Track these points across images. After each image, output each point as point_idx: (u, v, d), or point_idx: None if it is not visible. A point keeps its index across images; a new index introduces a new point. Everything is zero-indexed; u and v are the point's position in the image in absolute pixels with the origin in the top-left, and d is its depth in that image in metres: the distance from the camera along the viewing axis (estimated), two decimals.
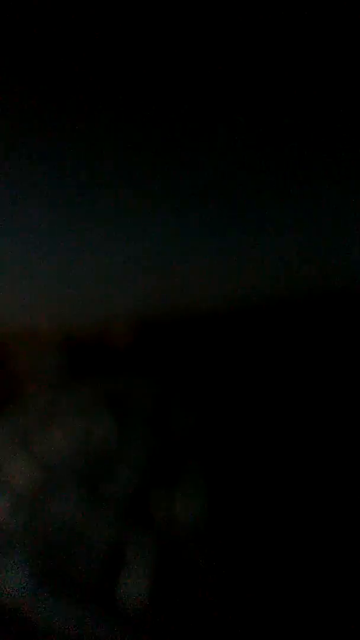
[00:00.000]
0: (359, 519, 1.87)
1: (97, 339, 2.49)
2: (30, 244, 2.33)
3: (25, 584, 2.17)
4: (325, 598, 1.80)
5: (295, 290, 2.09)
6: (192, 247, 2.13)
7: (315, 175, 1.83)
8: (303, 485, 1.99)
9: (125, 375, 2.43)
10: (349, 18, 1.69)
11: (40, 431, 2.47)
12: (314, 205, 1.91)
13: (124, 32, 1.77)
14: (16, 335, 2.56)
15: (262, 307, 2.16)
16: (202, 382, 2.27)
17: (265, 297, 2.13)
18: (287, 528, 1.94)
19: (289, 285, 2.08)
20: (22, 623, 2.07)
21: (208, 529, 2.04)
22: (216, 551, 1.98)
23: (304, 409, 2.08)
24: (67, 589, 2.10)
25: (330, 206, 1.89)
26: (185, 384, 2.30)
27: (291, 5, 1.71)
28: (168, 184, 2.02)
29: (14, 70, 2.07)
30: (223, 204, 2.02)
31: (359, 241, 1.89)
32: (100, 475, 2.29)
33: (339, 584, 1.81)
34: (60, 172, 2.20)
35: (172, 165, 1.96)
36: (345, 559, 1.84)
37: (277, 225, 2.00)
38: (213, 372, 2.26)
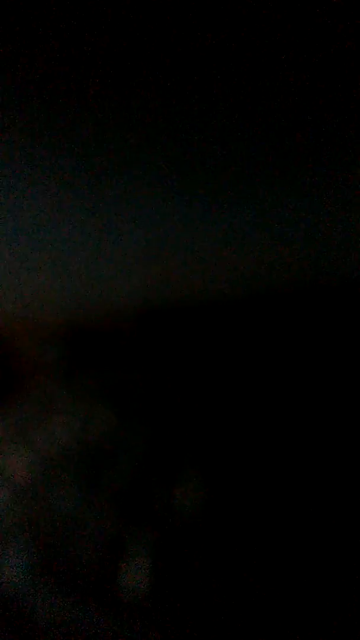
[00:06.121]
0: (357, 513, 1.87)
1: (98, 329, 2.48)
2: (28, 232, 2.32)
3: (24, 576, 2.16)
4: (326, 592, 1.79)
5: (300, 279, 2.08)
6: (195, 236, 2.12)
7: (320, 162, 1.82)
8: (304, 478, 1.98)
9: (126, 365, 2.43)
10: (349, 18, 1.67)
11: (40, 422, 2.46)
12: (318, 192, 1.89)
13: (125, 18, 1.76)
14: (14, 325, 2.55)
15: (266, 296, 2.15)
16: (204, 372, 2.26)
17: (269, 286, 2.12)
18: (288, 520, 1.94)
19: (293, 274, 2.07)
20: (20, 614, 2.07)
21: (209, 520, 2.03)
22: (217, 543, 1.98)
23: (308, 402, 2.07)
24: (67, 580, 2.10)
25: (335, 194, 1.88)
26: (187, 374, 2.29)
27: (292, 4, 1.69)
28: (169, 171, 2.01)
29: (14, 59, 2.05)
30: (226, 191, 2.00)
31: None
32: (100, 467, 2.28)
33: (340, 578, 1.81)
34: (60, 162, 2.19)
35: (174, 151, 1.95)
36: (347, 552, 1.83)
37: (280, 214, 1.99)
38: (215, 363, 2.25)
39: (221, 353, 2.24)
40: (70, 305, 2.46)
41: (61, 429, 2.41)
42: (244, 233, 2.07)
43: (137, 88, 1.90)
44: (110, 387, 2.43)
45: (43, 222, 2.33)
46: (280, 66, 1.61)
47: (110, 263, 2.31)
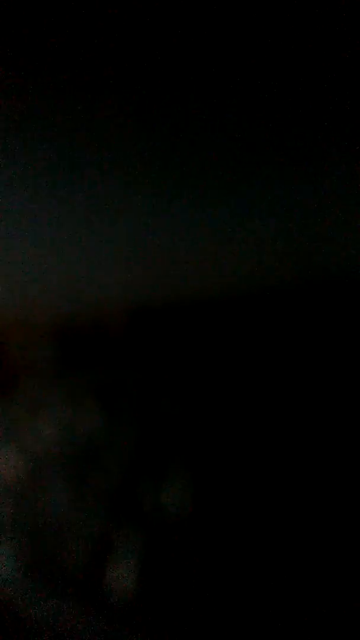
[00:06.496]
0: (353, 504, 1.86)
1: (89, 327, 2.47)
2: (20, 230, 2.31)
3: (13, 576, 2.15)
4: (319, 588, 1.79)
5: (295, 275, 2.07)
6: (188, 232, 2.11)
7: (316, 157, 1.82)
8: (300, 478, 1.97)
9: (116, 364, 2.42)
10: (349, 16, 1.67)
11: (29, 422, 2.45)
12: (314, 188, 1.89)
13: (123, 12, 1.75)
14: (3, 323, 2.54)
15: (261, 293, 2.14)
16: (197, 371, 2.26)
17: (264, 282, 2.12)
18: (280, 521, 1.93)
19: (289, 271, 2.07)
20: (9, 614, 2.06)
21: (197, 519, 2.02)
22: (205, 542, 1.97)
23: (300, 401, 2.06)
24: (55, 580, 2.09)
25: (332, 190, 1.87)
26: (180, 373, 2.28)
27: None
28: (162, 166, 2.00)
29: (13, 54, 2.05)
30: (219, 186, 2.00)
31: None
32: (89, 466, 2.27)
33: (335, 578, 1.80)
34: (52, 157, 2.18)
35: (166, 146, 1.95)
36: (342, 549, 1.83)
37: (276, 209, 1.98)
38: (209, 361, 2.24)
39: (216, 351, 2.23)
40: (61, 303, 2.45)
41: (51, 428, 2.40)
42: (242, 228, 2.06)
43: (130, 81, 1.89)
44: (100, 386, 2.42)
45: (33, 219, 2.32)
46: (278, 55, 1.61)
47: (101, 260, 2.30)
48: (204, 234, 2.12)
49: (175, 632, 1.85)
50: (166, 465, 2.14)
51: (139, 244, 2.22)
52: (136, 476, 2.17)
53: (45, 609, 2.01)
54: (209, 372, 2.22)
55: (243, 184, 1.94)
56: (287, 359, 2.11)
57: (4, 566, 2.17)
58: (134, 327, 2.39)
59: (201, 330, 2.25)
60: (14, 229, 2.33)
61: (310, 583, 1.80)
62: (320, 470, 1.94)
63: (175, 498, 2.07)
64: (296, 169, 1.84)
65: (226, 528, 1.96)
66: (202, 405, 2.20)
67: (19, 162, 2.20)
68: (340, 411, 1.99)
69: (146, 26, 1.75)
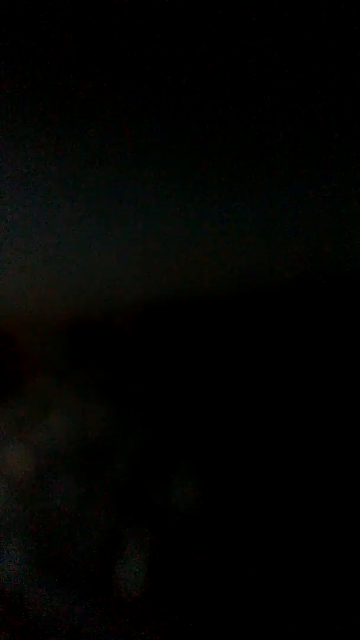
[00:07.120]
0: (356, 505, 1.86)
1: (99, 325, 2.47)
2: (27, 226, 2.31)
3: (22, 572, 2.16)
4: (326, 591, 1.79)
5: (304, 273, 2.07)
6: (196, 230, 2.11)
7: (321, 154, 1.81)
8: (303, 475, 1.97)
9: (125, 361, 2.42)
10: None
11: (38, 419, 2.46)
12: (322, 186, 1.88)
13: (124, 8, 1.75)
14: (12, 320, 2.54)
15: (268, 291, 2.14)
16: (204, 369, 2.25)
17: (271, 281, 2.11)
18: (285, 515, 1.93)
19: (297, 269, 2.06)
20: (18, 611, 2.07)
21: (206, 516, 2.02)
22: (214, 539, 1.97)
23: (308, 398, 2.06)
24: (65, 576, 2.09)
25: (338, 189, 1.87)
26: (187, 371, 2.28)
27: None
28: (171, 164, 2.00)
29: (14, 51, 2.05)
30: (226, 183, 2.00)
31: None
32: (98, 463, 2.28)
33: (338, 576, 1.80)
34: (60, 154, 2.18)
35: (175, 144, 1.94)
36: (345, 549, 1.83)
37: (284, 208, 1.98)
38: (215, 359, 2.24)
39: (222, 349, 2.23)
40: (70, 300, 2.45)
41: (60, 425, 2.41)
42: (245, 226, 2.06)
43: (136, 80, 1.89)
44: (109, 383, 2.43)
45: (41, 216, 2.32)
46: (280, 58, 1.60)
47: (110, 258, 2.30)
48: (215, 231, 2.12)
49: (184, 628, 1.85)
50: (176, 462, 2.14)
51: (150, 241, 2.22)
52: (146, 473, 2.18)
53: (54, 605, 2.02)
54: (220, 369, 2.22)
55: (250, 184, 1.94)
56: (297, 356, 2.11)
57: (14, 562, 2.18)
58: (144, 324, 2.39)
59: (213, 328, 2.25)
60: (24, 227, 2.33)
61: (319, 577, 1.80)
62: (330, 465, 1.94)
63: (185, 494, 2.07)
64: (300, 171, 1.83)
65: (236, 524, 1.96)
66: (213, 402, 2.20)
67: (27, 162, 2.20)
68: (347, 409, 1.99)
69: (151, 23, 1.74)
